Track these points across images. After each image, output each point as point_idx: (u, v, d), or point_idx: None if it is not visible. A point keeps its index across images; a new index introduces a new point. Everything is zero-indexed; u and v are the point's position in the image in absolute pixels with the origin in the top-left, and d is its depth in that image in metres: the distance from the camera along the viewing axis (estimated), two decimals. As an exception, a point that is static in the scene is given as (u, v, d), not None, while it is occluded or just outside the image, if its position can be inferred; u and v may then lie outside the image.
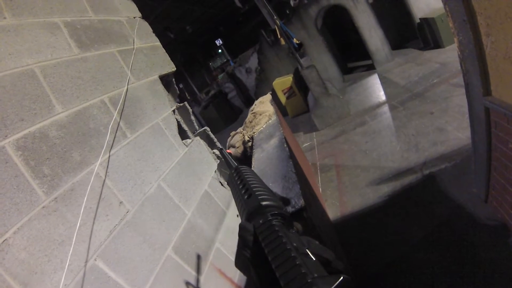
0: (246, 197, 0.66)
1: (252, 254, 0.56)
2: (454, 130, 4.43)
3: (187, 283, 1.44)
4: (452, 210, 3.21)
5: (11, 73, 1.15)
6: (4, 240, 0.91)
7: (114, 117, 1.51)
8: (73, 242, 1.05)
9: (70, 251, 1.02)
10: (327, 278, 0.43)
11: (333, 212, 4.35)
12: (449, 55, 7.05)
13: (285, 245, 0.49)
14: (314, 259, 0.50)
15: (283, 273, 0.44)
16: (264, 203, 0.62)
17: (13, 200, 0.96)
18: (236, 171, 0.78)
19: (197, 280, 1.51)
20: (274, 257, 0.48)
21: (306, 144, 7.32)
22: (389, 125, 5.82)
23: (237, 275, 1.76)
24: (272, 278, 0.46)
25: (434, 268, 2.75)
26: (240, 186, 0.71)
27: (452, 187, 3.49)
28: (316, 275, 0.43)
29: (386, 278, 2.98)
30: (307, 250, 0.52)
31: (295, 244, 0.51)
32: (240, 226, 0.59)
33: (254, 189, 0.67)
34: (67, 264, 1.00)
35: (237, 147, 4.10)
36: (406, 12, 9.37)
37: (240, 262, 0.60)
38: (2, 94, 1.08)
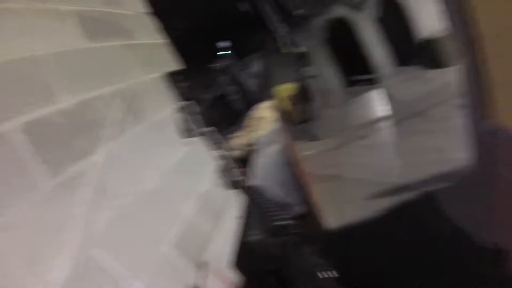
0: (260, 216, 0.67)
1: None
2: (454, 150, 4.42)
3: (183, 279, 1.44)
4: (450, 230, 3.18)
5: (19, 58, 1.15)
6: (3, 226, 0.90)
7: (117, 110, 1.52)
8: (71, 230, 1.04)
9: (68, 239, 1.02)
10: None
11: (330, 222, 4.32)
12: (453, 75, 7.08)
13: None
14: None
15: None
16: (278, 223, 0.63)
17: (15, 184, 0.95)
18: (249, 190, 0.78)
19: (194, 277, 1.50)
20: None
21: (306, 153, 7.31)
22: (389, 141, 5.82)
23: (234, 274, 1.76)
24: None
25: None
26: (255, 205, 0.71)
27: (450, 207, 3.47)
28: None
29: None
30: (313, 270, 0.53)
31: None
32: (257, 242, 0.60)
33: (266, 209, 0.67)
34: (65, 251, 1.00)
35: (238, 151, 4.10)
36: (411, 30, 9.44)
37: (237, 261, 0.60)
38: (8, 79, 1.08)
